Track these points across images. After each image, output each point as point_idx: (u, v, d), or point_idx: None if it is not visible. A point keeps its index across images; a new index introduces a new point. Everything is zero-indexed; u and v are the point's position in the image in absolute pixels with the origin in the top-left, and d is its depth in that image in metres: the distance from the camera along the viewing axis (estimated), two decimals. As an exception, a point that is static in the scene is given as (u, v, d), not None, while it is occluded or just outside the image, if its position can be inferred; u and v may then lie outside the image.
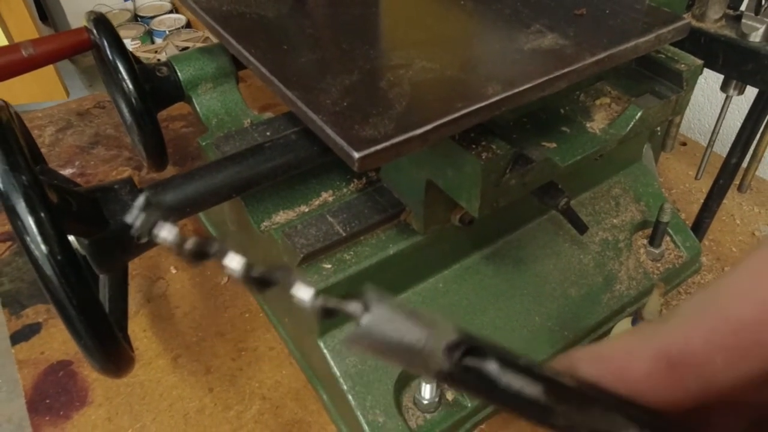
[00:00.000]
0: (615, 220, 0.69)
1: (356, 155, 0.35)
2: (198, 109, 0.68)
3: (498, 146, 0.43)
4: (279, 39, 0.47)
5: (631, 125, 0.51)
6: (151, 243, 0.49)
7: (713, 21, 0.62)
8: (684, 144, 0.94)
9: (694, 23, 0.63)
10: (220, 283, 0.72)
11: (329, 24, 0.49)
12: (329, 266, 0.52)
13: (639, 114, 0.51)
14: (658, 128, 0.75)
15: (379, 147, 0.36)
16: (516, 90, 0.40)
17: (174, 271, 0.74)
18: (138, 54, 2.05)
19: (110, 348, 0.41)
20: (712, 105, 1.03)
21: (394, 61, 0.43)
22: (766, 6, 0.58)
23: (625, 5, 0.50)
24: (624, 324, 0.60)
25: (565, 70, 0.42)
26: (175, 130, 0.94)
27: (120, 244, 0.47)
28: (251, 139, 0.63)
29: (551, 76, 0.42)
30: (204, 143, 0.66)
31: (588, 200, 0.69)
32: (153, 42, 2.43)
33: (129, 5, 2.57)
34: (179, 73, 0.66)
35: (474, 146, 0.43)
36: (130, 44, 2.28)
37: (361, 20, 0.50)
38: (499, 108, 0.40)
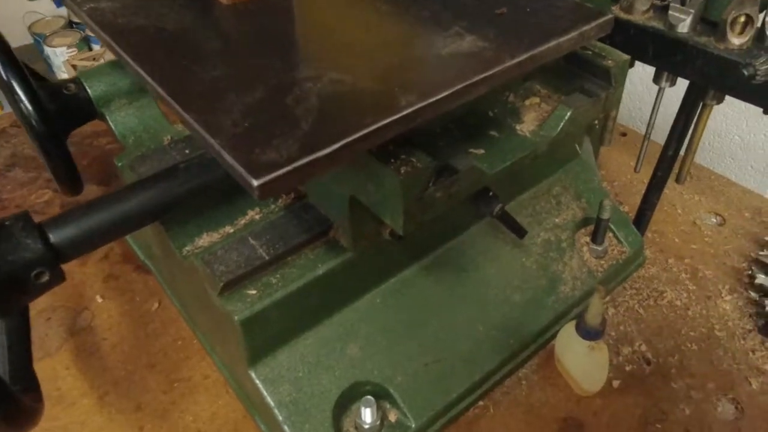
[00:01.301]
0: (557, 220, 0.68)
1: (255, 183, 0.32)
2: (113, 127, 0.64)
3: (418, 159, 0.41)
4: (180, 54, 0.43)
5: (561, 126, 0.50)
6: (56, 281, 0.45)
7: (641, 12, 0.61)
8: (624, 135, 0.93)
9: (623, 15, 0.61)
10: (150, 310, 0.68)
11: (236, 35, 0.46)
12: (254, 292, 0.49)
13: (568, 114, 0.49)
14: (596, 122, 0.74)
15: (280, 172, 0.33)
16: (431, 99, 0.38)
17: (100, 300, 0.69)
18: (75, 62, 1.95)
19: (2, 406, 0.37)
20: (651, 94, 1.03)
21: (303, 73, 0.40)
22: (691, -4, 0.57)
23: (548, 2, 0.48)
24: (569, 327, 0.58)
25: (484, 74, 0.40)
26: (100, 146, 0.89)
27: (16, 286, 0.43)
28: (169, 159, 0.59)
29: (469, 81, 0.39)
30: (120, 164, 0.61)
31: (528, 200, 0.67)
32: (90, 49, 2.33)
33: (62, 11, 2.45)
34: (89, 90, 0.62)
35: (393, 160, 0.41)
36: (66, 52, 2.18)
37: (271, 30, 0.46)
38: (414, 120, 0.37)
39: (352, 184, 0.45)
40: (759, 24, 0.55)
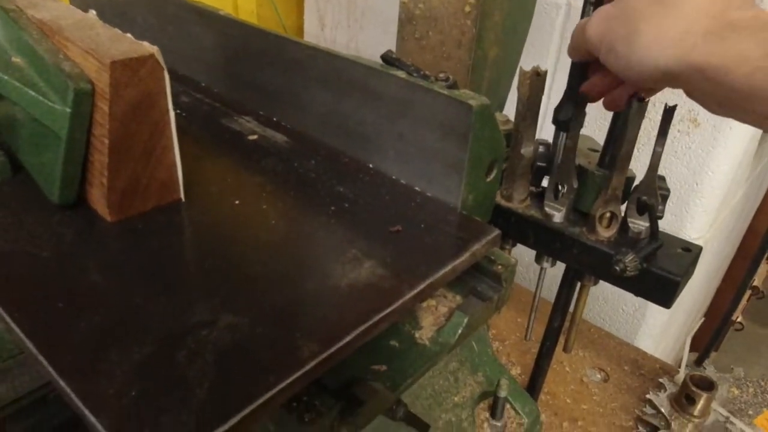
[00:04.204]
0: (456, 398, 0.68)
1: (143, 482, 0.29)
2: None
3: (322, 402, 0.39)
4: (55, 292, 0.39)
5: (459, 332, 0.50)
6: None
7: (519, 201, 0.66)
8: (510, 289, 0.98)
9: (504, 203, 0.66)
10: None
11: (121, 263, 0.43)
12: None
13: (465, 321, 0.50)
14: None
15: (174, 464, 0.30)
16: (336, 347, 0.37)
17: None
18: None
19: None
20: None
21: (197, 316, 0.38)
22: (562, 191, 0.63)
23: (439, 217, 0.50)
24: None
25: (386, 311, 0.40)
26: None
27: None
28: (35, 374, 0.52)
29: (372, 321, 0.39)
30: (-26, 376, 0.54)
31: (427, 380, 0.67)
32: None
33: None
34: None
35: (296, 404, 0.39)
36: None
37: (160, 254, 0.44)
38: (318, 371, 0.36)
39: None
40: (622, 216, 0.62)
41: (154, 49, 0.43)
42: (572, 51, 0.51)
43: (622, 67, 0.44)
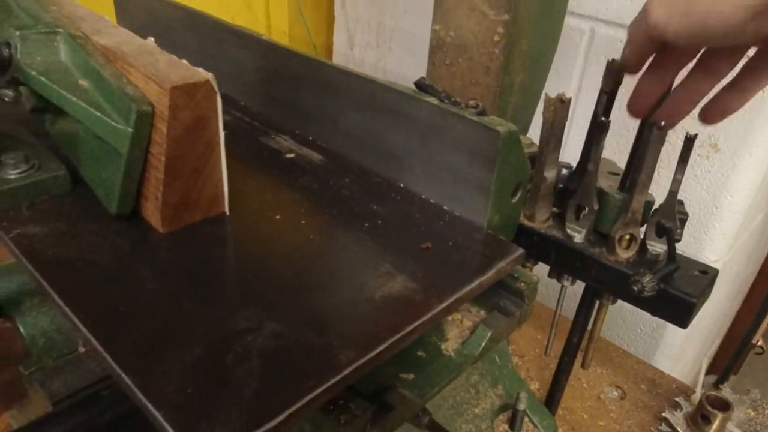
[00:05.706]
0: (476, 410, 0.70)
1: (202, 470, 0.32)
2: (22, 330, 0.60)
3: (356, 405, 0.42)
4: (115, 297, 0.43)
5: (483, 345, 0.53)
6: None
7: (542, 221, 0.68)
8: (529, 305, 1.00)
9: (526, 223, 0.69)
10: None
11: (173, 272, 0.46)
12: None
13: (489, 334, 0.53)
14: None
15: (227, 454, 0.33)
16: (371, 354, 0.40)
17: None
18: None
19: None
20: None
21: (243, 323, 0.41)
22: (584, 213, 0.65)
23: (466, 236, 0.53)
24: None
25: (417, 322, 0.43)
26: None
27: None
28: (86, 373, 0.56)
29: (405, 331, 0.42)
30: (27, 372, 0.58)
31: (449, 392, 0.70)
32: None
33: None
34: (-3, 292, 0.59)
35: (332, 406, 0.42)
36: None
37: (207, 264, 0.47)
38: (354, 376, 0.39)
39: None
40: (641, 238, 0.64)
41: (209, 75, 0.47)
42: (631, 52, 0.51)
43: (707, 25, 0.41)
